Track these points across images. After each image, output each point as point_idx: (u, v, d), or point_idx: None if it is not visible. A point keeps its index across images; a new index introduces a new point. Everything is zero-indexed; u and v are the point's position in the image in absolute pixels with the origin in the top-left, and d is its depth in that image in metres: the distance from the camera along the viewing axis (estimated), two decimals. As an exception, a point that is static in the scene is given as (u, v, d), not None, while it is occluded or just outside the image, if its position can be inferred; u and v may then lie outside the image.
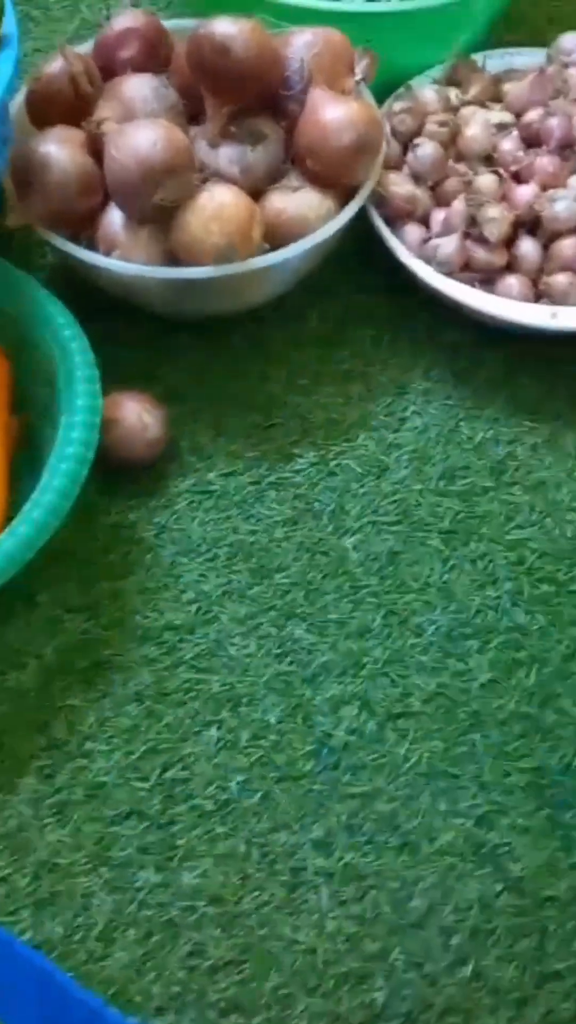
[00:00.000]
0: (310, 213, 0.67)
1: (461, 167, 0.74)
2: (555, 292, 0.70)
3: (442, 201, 0.74)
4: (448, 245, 0.71)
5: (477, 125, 0.74)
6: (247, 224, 0.64)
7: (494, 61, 0.82)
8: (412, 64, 0.82)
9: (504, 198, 0.72)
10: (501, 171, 0.73)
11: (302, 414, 0.73)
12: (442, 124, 0.74)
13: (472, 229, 0.71)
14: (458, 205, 0.71)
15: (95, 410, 0.63)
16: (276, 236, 0.67)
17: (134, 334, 0.74)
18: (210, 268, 0.64)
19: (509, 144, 0.74)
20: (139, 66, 0.69)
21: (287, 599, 0.65)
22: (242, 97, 0.66)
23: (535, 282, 0.72)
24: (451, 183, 0.74)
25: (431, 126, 0.74)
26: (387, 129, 0.75)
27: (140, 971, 0.54)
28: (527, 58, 0.82)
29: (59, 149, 0.65)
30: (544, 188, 0.72)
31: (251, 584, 0.66)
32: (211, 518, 0.68)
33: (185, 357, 0.74)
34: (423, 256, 0.72)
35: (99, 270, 0.67)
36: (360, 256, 0.77)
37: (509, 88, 0.78)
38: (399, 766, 0.60)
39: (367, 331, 0.76)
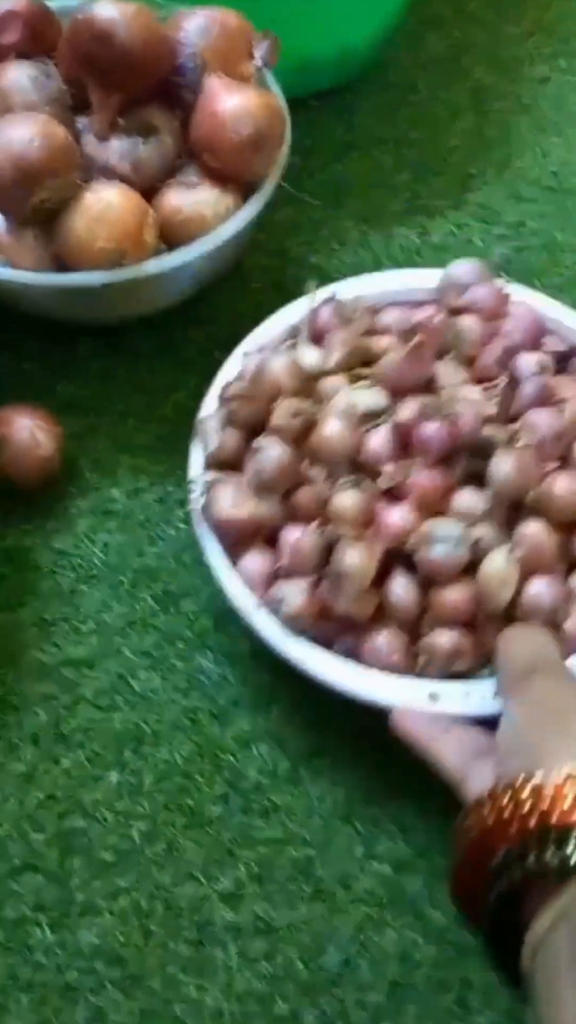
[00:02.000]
0: (208, 212, 0.62)
1: (318, 472, 0.55)
2: (436, 656, 0.53)
3: (295, 514, 0.55)
4: (294, 597, 0.53)
5: (336, 420, 0.55)
6: (137, 225, 0.59)
7: (372, 288, 0.64)
8: (325, 48, 0.77)
9: (372, 521, 0.54)
10: (366, 484, 0.55)
11: (211, 425, 0.68)
12: (295, 414, 0.56)
13: (328, 570, 0.53)
14: (307, 541, 0.53)
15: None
16: (174, 236, 0.62)
17: (27, 342, 0.69)
18: (99, 274, 0.59)
19: (378, 441, 0.55)
20: (21, 52, 0.64)
21: (195, 628, 0.61)
22: (130, 87, 0.61)
23: (414, 631, 0.54)
24: (305, 494, 0.55)
25: (277, 418, 0.56)
26: (221, 416, 0.58)
27: (35, 1042, 0.50)
28: (410, 281, 0.65)
29: None
30: (422, 511, 0.54)
31: (156, 612, 0.62)
32: (114, 541, 0.64)
33: (85, 366, 0.70)
34: (270, 601, 0.54)
35: (-18, 277, 0.62)
36: (277, 249, 0.73)
37: (383, 358, 0.58)
38: (314, 808, 0.56)
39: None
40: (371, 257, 0.76)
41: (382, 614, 0.54)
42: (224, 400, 0.58)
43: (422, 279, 0.64)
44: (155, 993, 0.51)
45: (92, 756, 0.57)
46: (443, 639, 0.53)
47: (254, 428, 0.57)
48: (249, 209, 0.63)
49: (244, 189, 0.64)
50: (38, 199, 0.58)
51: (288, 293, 0.73)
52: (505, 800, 0.41)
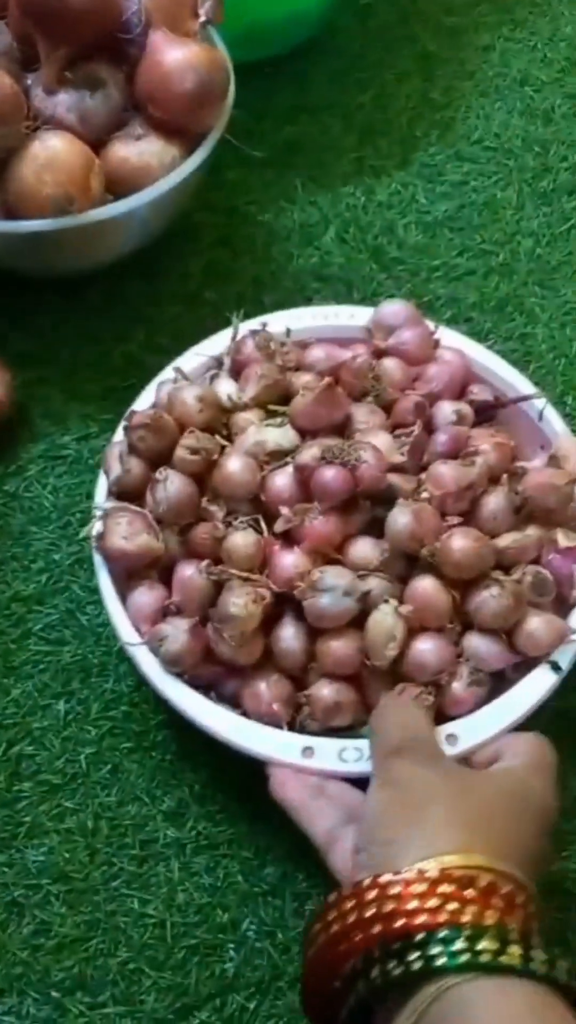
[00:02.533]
0: (154, 162, 0.64)
1: (217, 509, 0.54)
2: (317, 708, 0.52)
3: (192, 550, 0.54)
4: (176, 637, 0.52)
5: (239, 458, 0.54)
6: (83, 173, 0.61)
7: (303, 321, 0.63)
8: (275, 13, 0.79)
9: (265, 564, 0.53)
10: (262, 527, 0.54)
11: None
12: (194, 451, 0.54)
13: (213, 611, 0.52)
14: (196, 580, 0.53)
15: None
16: (120, 187, 0.64)
17: (-19, 296, 0.71)
18: (47, 221, 0.61)
19: (281, 482, 0.54)
20: (-28, 10, 0.66)
21: (142, 564, 0.63)
22: (77, 40, 0.63)
23: (301, 682, 0.53)
24: (201, 531, 0.54)
25: (181, 451, 0.54)
26: (124, 447, 0.56)
27: (-19, 955, 0.52)
28: (343, 317, 0.63)
29: None
30: (315, 557, 0.52)
31: (105, 550, 0.63)
32: (64, 484, 0.66)
33: (36, 318, 0.71)
34: (153, 637, 0.53)
35: None
36: (227, 207, 0.75)
37: (296, 399, 0.56)
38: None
39: (232, 288, 0.74)
40: (319, 215, 0.78)
41: (269, 660, 0.53)
42: (128, 428, 0.56)
43: (355, 315, 0.63)
44: (99, 906, 0.53)
45: (41, 687, 0.59)
46: (325, 691, 0.51)
47: (160, 458, 0.55)
48: (194, 159, 0.65)
49: (190, 142, 0.66)
50: (-15, 147, 0.60)
51: (237, 250, 0.76)
52: (350, 905, 0.40)
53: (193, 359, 0.62)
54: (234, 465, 0.54)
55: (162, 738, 0.58)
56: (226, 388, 0.59)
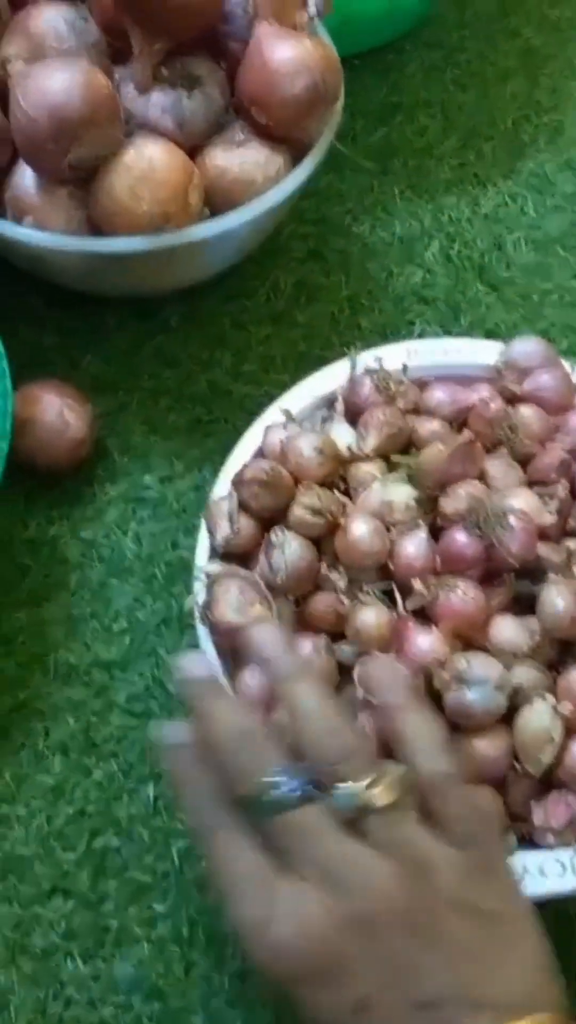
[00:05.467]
0: (257, 173, 0.57)
1: (338, 576, 0.48)
2: None
3: (309, 622, 0.48)
4: None
5: (365, 522, 0.47)
6: (183, 186, 0.54)
7: (421, 357, 0.56)
8: (374, 3, 0.72)
9: (397, 643, 0.46)
10: (398, 602, 0.47)
11: (249, 407, 0.63)
12: (316, 512, 0.48)
13: (343, 695, 0.46)
14: (317, 661, 0.46)
15: (4, 410, 0.53)
16: (218, 200, 0.57)
17: (52, 315, 0.64)
18: (140, 239, 0.54)
19: (413, 548, 0.48)
20: (53, -5, 0.58)
21: (235, 626, 0.56)
22: (175, 33, 0.56)
23: None
24: (322, 604, 0.48)
25: (299, 511, 0.48)
26: (234, 502, 0.50)
27: None
28: (465, 353, 0.56)
29: (-44, 95, 0.55)
30: (455, 639, 0.46)
31: (193, 609, 0.57)
32: (147, 531, 0.59)
33: (113, 341, 0.65)
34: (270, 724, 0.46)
35: (7, 240, 0.56)
36: (318, 217, 0.68)
37: (425, 449, 0.50)
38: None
39: (325, 308, 0.67)
40: (418, 227, 0.71)
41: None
42: (239, 484, 0.49)
43: (479, 351, 0.56)
44: (198, 1030, 0.47)
45: (126, 767, 0.53)
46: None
47: (273, 516, 0.49)
48: (301, 171, 0.58)
49: (295, 150, 0.59)
50: (76, 155, 0.52)
51: (330, 265, 0.69)
52: None
53: (299, 398, 0.55)
54: (361, 530, 0.47)
55: (264, 831, 0.51)
56: (344, 436, 0.52)
